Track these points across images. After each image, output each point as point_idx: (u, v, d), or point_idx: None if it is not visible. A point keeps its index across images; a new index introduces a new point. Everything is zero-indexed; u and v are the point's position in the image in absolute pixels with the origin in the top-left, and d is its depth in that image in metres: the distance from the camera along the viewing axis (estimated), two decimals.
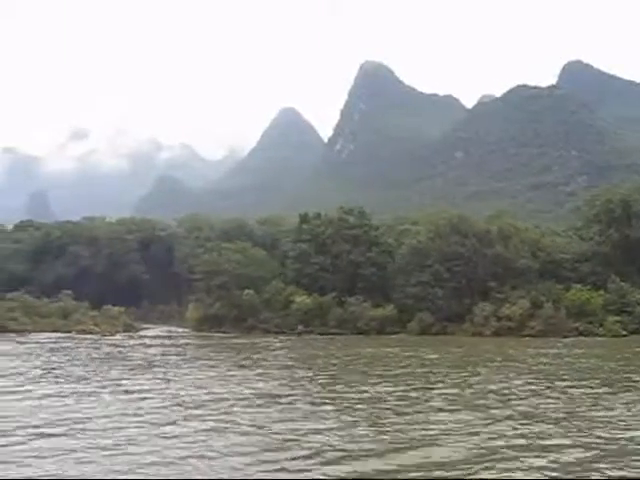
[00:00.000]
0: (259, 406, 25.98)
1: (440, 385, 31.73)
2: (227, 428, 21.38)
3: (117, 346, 54.63)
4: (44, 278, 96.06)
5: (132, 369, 39.51)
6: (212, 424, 21.91)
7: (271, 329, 66.70)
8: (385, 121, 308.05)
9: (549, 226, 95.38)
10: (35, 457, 17.51)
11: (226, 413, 24.39)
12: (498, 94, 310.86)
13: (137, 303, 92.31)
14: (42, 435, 20.22)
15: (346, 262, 71.40)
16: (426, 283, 67.91)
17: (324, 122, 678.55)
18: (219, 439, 19.73)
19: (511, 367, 39.49)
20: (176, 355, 49.18)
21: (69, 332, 64.22)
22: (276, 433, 20.51)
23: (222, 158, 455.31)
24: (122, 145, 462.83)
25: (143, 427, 21.48)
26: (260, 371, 38.12)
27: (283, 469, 16.28)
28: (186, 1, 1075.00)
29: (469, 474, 15.78)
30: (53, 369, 38.98)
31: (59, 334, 63.16)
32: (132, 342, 57.91)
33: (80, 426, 21.57)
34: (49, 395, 28.79)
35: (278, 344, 57.38)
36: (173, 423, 22.24)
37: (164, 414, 24.04)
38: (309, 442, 19.09)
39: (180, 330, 71.43)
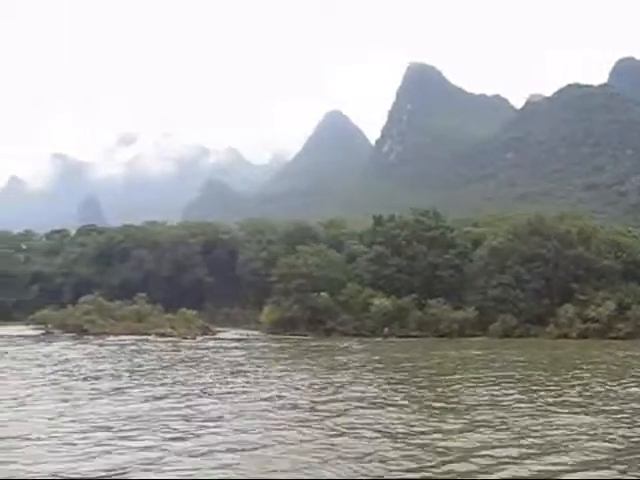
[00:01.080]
0: (371, 408, 24.87)
1: (546, 388, 30.35)
2: (353, 431, 20.23)
3: (199, 349, 53.87)
4: (110, 281, 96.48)
5: (222, 371, 38.68)
6: (335, 427, 20.88)
7: (349, 332, 65.31)
8: (433, 122, 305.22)
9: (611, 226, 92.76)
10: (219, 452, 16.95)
11: (343, 415, 23.41)
12: (546, 93, 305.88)
13: (201, 306, 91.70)
14: (185, 437, 19.15)
15: (424, 264, 69.71)
16: (507, 285, 65.90)
17: (370, 124, 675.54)
18: (354, 443, 18.47)
19: (612, 370, 37.91)
20: (261, 358, 48.32)
21: (147, 335, 63.85)
22: (405, 435, 19.51)
23: (268, 162, 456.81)
24: (169, 150, 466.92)
25: (269, 430, 20.47)
26: (353, 373, 37.04)
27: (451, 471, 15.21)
28: (230, 6, 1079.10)
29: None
30: (144, 371, 38.30)
31: (136, 337, 62.87)
32: (211, 345, 57.18)
33: (214, 424, 21.11)
34: (156, 397, 27.98)
35: (359, 347, 56.08)
36: (292, 427, 21.10)
37: (281, 417, 23.04)
38: (448, 445, 18.01)
39: (256, 333, 70.47)
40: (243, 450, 17.36)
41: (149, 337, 62.40)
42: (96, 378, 35.35)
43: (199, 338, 63.00)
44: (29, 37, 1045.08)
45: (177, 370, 39.27)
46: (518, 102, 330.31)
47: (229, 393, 29.14)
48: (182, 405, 25.74)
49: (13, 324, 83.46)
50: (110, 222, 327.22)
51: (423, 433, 19.88)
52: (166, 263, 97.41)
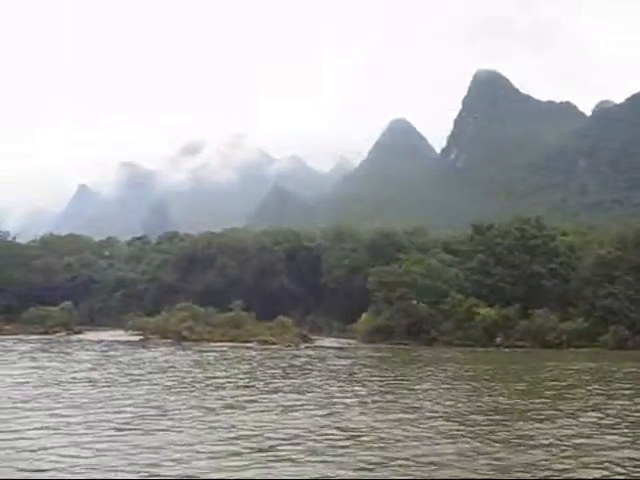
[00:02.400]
0: (527, 420, 24.06)
1: None
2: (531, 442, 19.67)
3: (307, 357, 52.63)
4: (193, 288, 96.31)
5: (341, 380, 37.86)
6: (509, 439, 20.16)
7: (452, 341, 63.05)
8: (501, 130, 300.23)
9: None
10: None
11: (501, 425, 22.83)
12: (616, 99, 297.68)
13: (285, 314, 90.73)
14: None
15: (527, 273, 67.12)
16: (617, 295, 62.79)
17: (435, 132, 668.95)
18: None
19: None
20: (372, 367, 46.95)
21: (246, 342, 63.02)
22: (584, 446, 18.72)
23: (331, 170, 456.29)
24: (233, 158, 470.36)
25: (434, 440, 19.80)
26: (480, 384, 35.86)
27: None
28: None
29: None
30: (263, 380, 37.33)
31: (236, 344, 62.15)
32: (316, 353, 55.91)
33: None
34: (289, 407, 27.40)
35: (468, 356, 54.25)
36: (455, 437, 20.54)
37: (446, 427, 22.35)
38: None
39: (351, 341, 68.90)
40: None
41: (250, 345, 61.50)
42: (222, 387, 34.45)
43: (302, 346, 61.77)
44: (96, 42, 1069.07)
45: (293, 378, 38.32)
46: (586, 109, 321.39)
47: (362, 403, 28.45)
48: (339, 418, 24.75)
49: (103, 329, 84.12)
50: (178, 229, 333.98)
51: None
52: (250, 270, 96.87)
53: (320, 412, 26.33)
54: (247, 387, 35.19)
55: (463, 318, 64.43)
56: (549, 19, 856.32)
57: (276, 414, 25.85)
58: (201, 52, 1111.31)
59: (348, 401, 28.90)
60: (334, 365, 46.94)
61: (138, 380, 37.77)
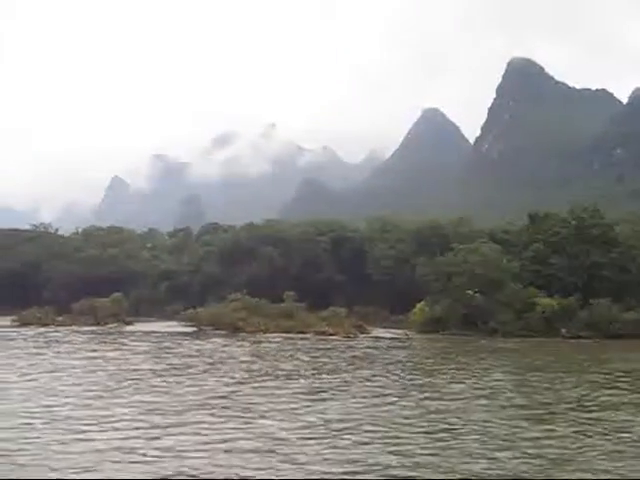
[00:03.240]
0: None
1: None
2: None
3: (367, 347, 52.07)
4: (237, 279, 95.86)
5: (421, 373, 37.83)
6: None
7: (512, 332, 61.65)
8: (536, 119, 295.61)
9: None
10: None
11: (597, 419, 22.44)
12: None
13: (331, 304, 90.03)
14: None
15: (587, 264, 65.61)
16: None
17: (468, 122, 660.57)
18: None
19: None
20: (446, 358, 46.08)
21: (302, 333, 62.59)
22: None
23: (363, 160, 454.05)
24: (264, 149, 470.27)
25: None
26: (555, 375, 35.52)
27: None
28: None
29: None
30: (341, 369, 36.89)
31: (292, 335, 61.82)
32: (376, 344, 55.36)
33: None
34: (373, 402, 26.80)
35: (532, 347, 53.02)
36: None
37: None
38: None
39: (404, 332, 67.88)
40: None
41: (307, 336, 60.99)
42: (305, 377, 34.07)
43: (360, 336, 61.11)
44: (126, 30, 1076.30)
45: (379, 369, 38.22)
46: (623, 96, 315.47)
47: (465, 398, 28.04)
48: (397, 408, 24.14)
49: (150, 320, 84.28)
50: (210, 220, 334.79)
51: None
52: (295, 260, 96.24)
53: (406, 402, 25.88)
54: (330, 375, 34.88)
55: (522, 308, 63.07)
56: (583, 3, 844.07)
57: (375, 402, 25.60)
58: (232, 42, 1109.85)
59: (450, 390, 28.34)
60: (401, 355, 46.44)
61: (210, 371, 37.52)
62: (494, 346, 52.78)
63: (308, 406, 25.95)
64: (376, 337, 61.99)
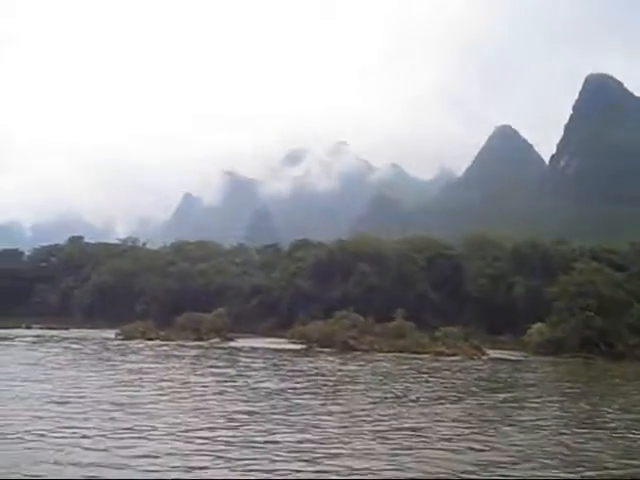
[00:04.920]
0: None
1: None
2: None
3: (492, 370, 49.83)
4: (329, 295, 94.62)
5: (574, 399, 35.41)
6: None
7: None
8: (615, 135, 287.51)
9: None
10: None
11: None
12: None
13: (425, 323, 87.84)
14: None
15: None
16: None
17: (538, 139, 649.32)
18: None
19: None
20: (590, 382, 43.49)
21: (417, 353, 60.76)
22: None
23: (433, 178, 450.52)
24: (334, 166, 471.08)
25: None
26: None
27: None
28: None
29: None
30: (480, 395, 34.78)
31: (407, 355, 60.16)
32: (496, 366, 52.94)
33: None
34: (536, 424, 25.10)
35: None
36: None
37: None
38: None
39: (516, 353, 65.40)
40: None
41: (423, 356, 59.15)
42: (446, 399, 32.14)
43: (484, 358, 59.17)
44: (194, 45, 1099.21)
45: (519, 393, 36.39)
46: None
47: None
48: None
49: (246, 336, 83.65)
50: (280, 238, 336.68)
51: None
52: (389, 278, 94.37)
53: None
54: (476, 399, 33.02)
55: None
56: None
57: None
58: (300, 59, 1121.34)
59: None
60: (537, 378, 44.31)
61: (343, 391, 36.16)
62: (633, 371, 49.95)
63: (485, 432, 24.19)
64: (494, 359, 59.48)
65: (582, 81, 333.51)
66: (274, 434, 23.30)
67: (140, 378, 39.38)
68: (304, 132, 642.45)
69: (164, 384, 36.79)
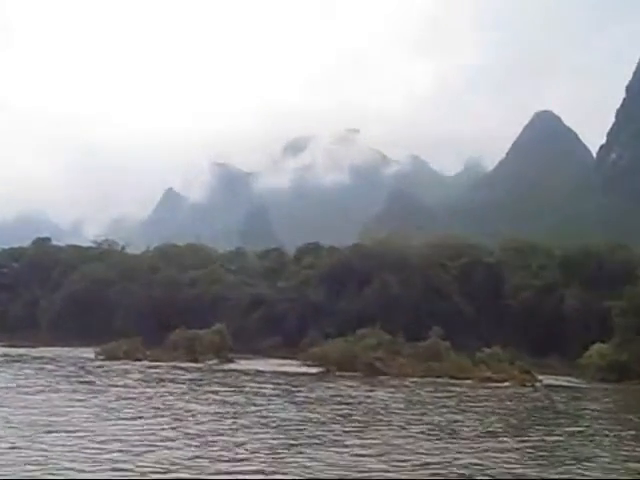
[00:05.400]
0: None
1: None
2: None
3: (548, 399, 49.60)
4: (345, 308, 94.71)
5: None
6: None
7: None
8: None
9: None
10: None
11: None
12: None
13: (459, 342, 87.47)
14: None
15: None
16: None
17: (583, 128, 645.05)
18: None
19: None
20: None
21: (455, 379, 60.51)
22: None
23: (460, 172, 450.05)
24: (342, 158, 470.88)
25: None
26: None
27: None
28: None
29: None
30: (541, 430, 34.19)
31: (446, 380, 60.19)
32: (559, 395, 52.74)
33: None
34: None
35: None
36: None
37: None
38: None
39: (571, 379, 65.18)
40: None
41: (464, 381, 59.00)
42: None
43: (537, 385, 59.40)
44: (185, 29, 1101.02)
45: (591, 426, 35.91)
46: None
47: None
48: None
49: (249, 357, 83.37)
50: (279, 237, 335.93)
51: None
52: (416, 288, 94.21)
53: None
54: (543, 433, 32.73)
55: None
56: None
57: None
58: (304, 35, 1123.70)
59: None
60: (598, 409, 44.06)
61: (369, 424, 35.84)
62: None
63: (556, 471, 24.00)
64: (548, 386, 59.28)
65: (637, 60, 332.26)
66: (309, 473, 22.97)
67: (134, 406, 39.09)
68: (308, 118, 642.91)
69: (163, 413, 36.48)
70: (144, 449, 25.94)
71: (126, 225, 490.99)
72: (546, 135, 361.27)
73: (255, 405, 41.91)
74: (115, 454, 24.82)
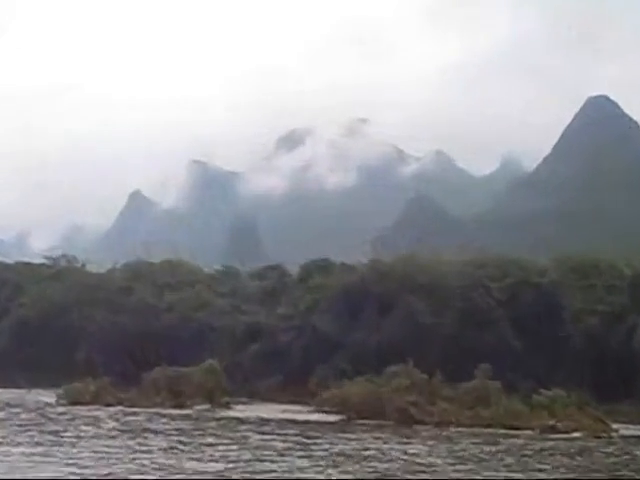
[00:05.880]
0: None
1: None
2: None
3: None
4: (362, 340, 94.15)
5: None
6: None
7: None
8: None
9: None
10: None
11: None
12: None
13: (506, 382, 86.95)
14: None
15: None
16: None
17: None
18: None
19: None
20: None
21: (510, 429, 60.52)
22: None
23: (494, 171, 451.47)
24: (349, 155, 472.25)
25: None
26: None
27: None
28: None
29: None
30: None
31: (495, 430, 60.07)
32: (634, 448, 52.35)
33: None
34: None
35: None
36: None
37: None
38: None
39: None
40: None
41: (524, 432, 59.03)
42: None
43: (614, 435, 59.40)
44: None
45: None
46: None
47: None
48: None
49: (244, 401, 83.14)
50: (269, 248, 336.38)
51: None
52: (450, 315, 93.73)
53: None
54: None
55: None
56: None
57: None
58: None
59: None
60: None
61: None
62: None
63: None
64: (626, 437, 59.01)
65: None
66: None
67: (114, 463, 38.95)
68: (306, 105, 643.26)
69: (152, 475, 36.15)
70: None
71: (84, 237, 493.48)
72: (600, 125, 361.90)
73: (264, 462, 41.67)
74: None
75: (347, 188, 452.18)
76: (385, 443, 52.00)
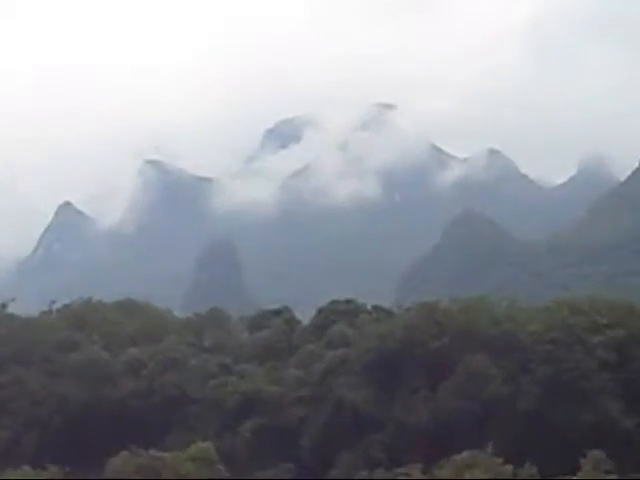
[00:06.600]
0: None
1: None
2: None
3: None
4: (405, 417, 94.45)
5: None
6: None
7: None
8: None
9: None
10: None
11: None
12: None
13: (620, 471, 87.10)
14: None
15: None
16: None
17: None
18: None
19: None
20: None
21: None
22: None
23: (570, 179, 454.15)
24: (365, 153, 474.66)
25: None
26: None
27: None
28: None
29: None
30: None
31: None
32: None
33: None
34: None
35: None
36: None
37: None
38: None
39: None
40: None
41: None
42: None
43: None
44: None
45: None
46: None
47: None
48: None
49: None
50: (257, 287, 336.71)
51: None
52: (536, 382, 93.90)
53: None
54: None
55: None
56: None
57: None
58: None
59: None
60: None
61: None
62: None
63: None
64: None
65: None
66: None
67: None
68: (306, 84, 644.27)
69: None
70: None
71: None
72: None
73: None
74: None
75: (364, 201, 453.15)
76: None
